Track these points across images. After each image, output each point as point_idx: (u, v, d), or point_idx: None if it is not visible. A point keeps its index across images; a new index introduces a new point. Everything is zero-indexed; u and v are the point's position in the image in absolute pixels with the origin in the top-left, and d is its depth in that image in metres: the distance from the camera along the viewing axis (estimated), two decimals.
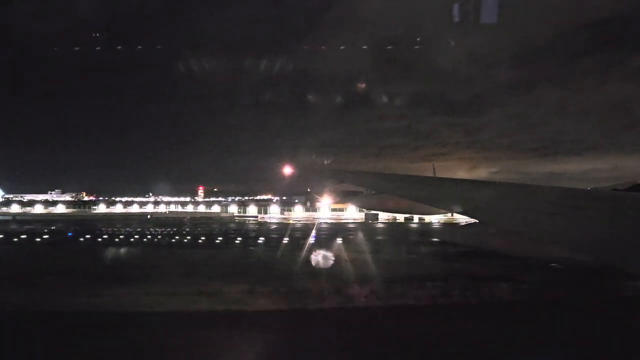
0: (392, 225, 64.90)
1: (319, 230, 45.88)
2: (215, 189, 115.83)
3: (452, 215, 52.93)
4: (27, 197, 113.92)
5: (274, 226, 58.00)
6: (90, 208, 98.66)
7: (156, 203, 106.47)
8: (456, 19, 20.69)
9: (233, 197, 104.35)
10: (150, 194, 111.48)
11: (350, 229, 51.44)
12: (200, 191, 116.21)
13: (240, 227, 55.49)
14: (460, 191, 6.02)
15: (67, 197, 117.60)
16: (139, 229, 44.27)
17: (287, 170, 11.42)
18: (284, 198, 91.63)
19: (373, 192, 57.56)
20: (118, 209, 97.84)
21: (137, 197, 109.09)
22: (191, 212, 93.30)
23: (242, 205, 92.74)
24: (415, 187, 7.08)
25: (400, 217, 68.96)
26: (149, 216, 76.93)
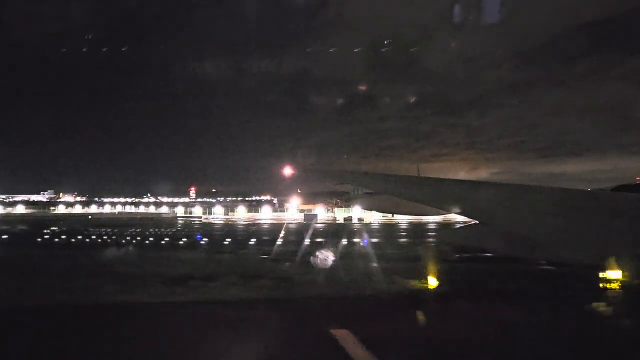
0: (326, 225, 65.52)
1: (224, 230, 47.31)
2: (213, 190, 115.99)
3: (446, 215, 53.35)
4: (18, 197, 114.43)
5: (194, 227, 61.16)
6: (48, 209, 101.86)
7: (134, 204, 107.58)
8: (457, 19, 20.69)
9: (224, 198, 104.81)
10: (148, 195, 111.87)
11: (257, 230, 53.11)
12: (192, 191, 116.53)
13: (157, 227, 56.75)
14: (460, 191, 5.99)
15: (43, 198, 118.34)
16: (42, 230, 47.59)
17: (287, 170, 11.34)
18: (275, 199, 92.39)
19: (365, 192, 57.92)
20: (92, 209, 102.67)
21: (132, 197, 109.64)
22: (139, 212, 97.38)
23: (227, 206, 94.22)
24: (415, 187, 7.04)
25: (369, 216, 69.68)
26: (89, 217, 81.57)
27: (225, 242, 36.42)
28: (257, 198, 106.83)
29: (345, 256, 24.80)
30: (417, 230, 54.37)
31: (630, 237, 3.91)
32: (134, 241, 36.83)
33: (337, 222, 72.29)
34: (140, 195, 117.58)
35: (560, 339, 9.93)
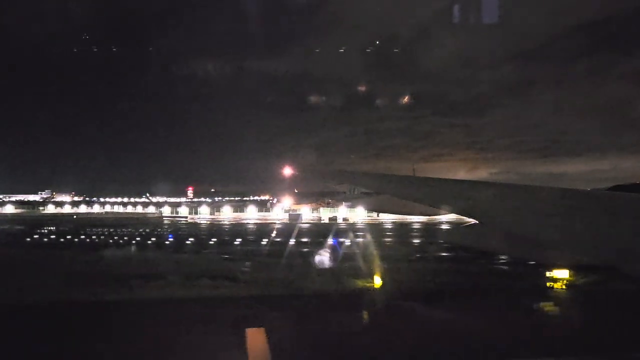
0: (309, 225, 65.10)
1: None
2: (213, 190, 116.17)
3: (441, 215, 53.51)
4: (15, 197, 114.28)
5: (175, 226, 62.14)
6: (37, 208, 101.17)
7: (129, 204, 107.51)
8: (457, 19, 20.74)
9: (223, 198, 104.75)
10: (147, 195, 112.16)
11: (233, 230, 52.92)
12: (190, 191, 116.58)
13: (137, 227, 56.98)
14: (460, 191, 6.06)
15: (38, 198, 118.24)
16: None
17: (287, 171, 11.39)
18: (274, 199, 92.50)
19: (361, 192, 57.91)
20: (81, 209, 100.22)
21: (131, 197, 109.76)
22: (126, 212, 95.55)
23: (213, 206, 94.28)
24: (415, 187, 7.11)
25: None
26: (75, 217, 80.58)
27: (194, 242, 36.06)
28: (257, 198, 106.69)
29: (307, 255, 24.93)
30: (400, 229, 54.50)
31: (629, 237, 3.99)
32: (103, 241, 36.68)
33: (322, 222, 72.36)
34: (140, 195, 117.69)
35: (475, 335, 10.18)
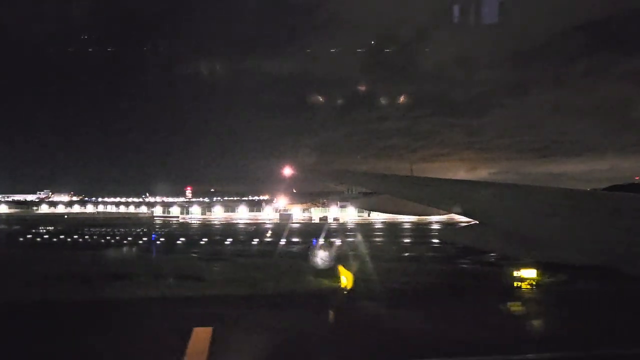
0: (299, 225, 65.36)
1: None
2: (212, 189, 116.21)
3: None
4: (13, 197, 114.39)
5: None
6: (30, 208, 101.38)
7: (126, 204, 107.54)
8: (456, 19, 20.83)
9: (222, 198, 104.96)
10: (147, 195, 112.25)
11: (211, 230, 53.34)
12: (189, 191, 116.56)
13: (124, 227, 57.11)
14: (459, 191, 6.08)
15: (35, 198, 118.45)
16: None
17: (287, 171, 11.40)
18: (274, 199, 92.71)
19: (359, 191, 57.87)
20: (74, 209, 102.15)
21: (130, 197, 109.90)
22: (118, 212, 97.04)
23: (207, 206, 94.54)
24: (415, 187, 7.13)
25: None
26: (65, 216, 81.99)
27: (174, 242, 35.84)
28: (255, 198, 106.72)
29: (283, 255, 25.01)
30: (389, 229, 54.54)
31: (628, 238, 4.02)
32: (83, 241, 36.83)
33: (312, 221, 72.44)
34: (140, 195, 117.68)
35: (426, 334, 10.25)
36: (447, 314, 12.45)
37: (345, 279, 16.94)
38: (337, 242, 34.80)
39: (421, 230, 52.09)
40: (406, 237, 44.05)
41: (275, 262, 22.16)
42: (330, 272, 18.18)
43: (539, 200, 5.10)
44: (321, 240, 34.41)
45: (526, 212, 4.97)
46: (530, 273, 17.63)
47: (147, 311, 12.25)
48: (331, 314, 12.16)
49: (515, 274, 17.79)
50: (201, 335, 9.89)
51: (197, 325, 10.29)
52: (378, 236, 43.55)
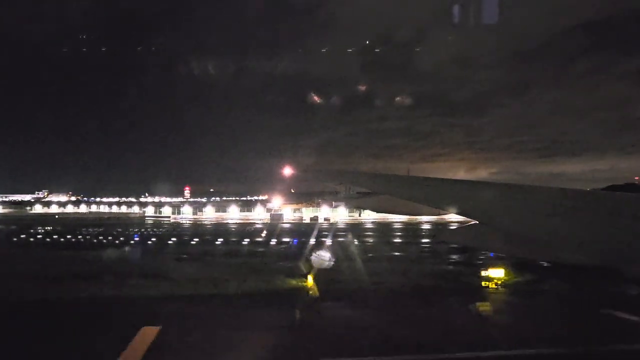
0: (288, 225, 65.61)
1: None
2: (211, 189, 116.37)
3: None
4: (13, 197, 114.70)
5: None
6: (24, 208, 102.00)
7: (123, 203, 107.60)
8: (456, 19, 20.93)
9: (221, 198, 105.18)
10: (146, 195, 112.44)
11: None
12: (187, 191, 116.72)
13: (112, 227, 56.69)
14: (459, 191, 6.10)
15: (30, 198, 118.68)
16: None
17: (286, 171, 11.47)
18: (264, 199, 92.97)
19: (357, 192, 57.88)
20: (67, 209, 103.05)
21: (129, 197, 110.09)
22: (110, 212, 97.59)
23: (200, 206, 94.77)
24: (415, 187, 7.15)
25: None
26: (56, 216, 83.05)
27: (155, 241, 35.96)
28: (253, 198, 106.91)
29: (259, 255, 24.98)
30: (379, 229, 54.64)
31: (628, 238, 4.03)
32: (65, 240, 36.57)
33: (303, 221, 72.46)
34: (139, 195, 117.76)
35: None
36: (404, 314, 12.55)
37: (311, 278, 17.03)
38: (320, 242, 34.86)
39: (411, 230, 52.26)
40: (394, 237, 44.13)
41: (248, 261, 22.14)
42: (301, 272, 18.27)
43: (539, 200, 5.08)
44: (303, 239, 34.44)
45: (526, 212, 4.96)
46: (498, 273, 17.68)
47: (99, 311, 12.28)
48: (285, 313, 12.19)
49: (484, 273, 17.86)
50: (146, 334, 9.95)
51: (148, 324, 10.41)
52: (364, 236, 43.61)
